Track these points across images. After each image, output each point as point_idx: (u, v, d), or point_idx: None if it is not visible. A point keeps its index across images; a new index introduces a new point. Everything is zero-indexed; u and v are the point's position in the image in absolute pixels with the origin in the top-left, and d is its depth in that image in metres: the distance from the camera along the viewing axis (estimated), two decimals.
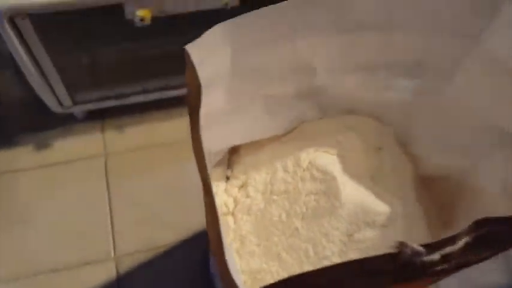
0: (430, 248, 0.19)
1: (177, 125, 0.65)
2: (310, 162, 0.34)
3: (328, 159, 0.35)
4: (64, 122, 0.65)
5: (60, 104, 0.59)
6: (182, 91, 0.63)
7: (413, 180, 0.38)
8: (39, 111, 0.63)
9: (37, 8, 0.46)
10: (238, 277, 0.21)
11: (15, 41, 0.49)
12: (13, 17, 0.46)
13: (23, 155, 0.62)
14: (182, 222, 0.59)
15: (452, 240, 0.20)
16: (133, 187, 0.61)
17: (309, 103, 0.36)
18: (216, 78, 0.28)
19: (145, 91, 0.62)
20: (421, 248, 0.19)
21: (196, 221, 0.58)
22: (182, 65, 0.56)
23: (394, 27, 0.31)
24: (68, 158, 0.63)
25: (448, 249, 0.20)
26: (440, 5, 0.30)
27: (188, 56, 0.24)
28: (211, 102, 0.30)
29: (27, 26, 0.48)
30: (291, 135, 0.37)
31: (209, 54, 0.26)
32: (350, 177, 0.34)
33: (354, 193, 0.33)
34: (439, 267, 0.21)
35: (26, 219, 0.57)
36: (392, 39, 0.32)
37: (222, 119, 0.32)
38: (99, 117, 0.65)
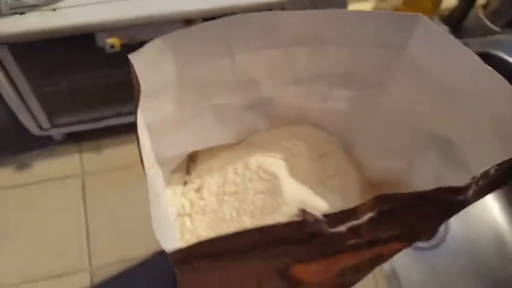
0: (331, 218, 0.22)
1: None
2: (257, 166, 0.37)
3: (274, 163, 0.37)
4: (43, 144, 0.67)
5: (39, 126, 0.62)
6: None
7: (358, 185, 0.41)
8: (19, 133, 0.65)
9: (14, 38, 0.49)
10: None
11: None
12: None
13: (3, 175, 0.64)
14: (154, 237, 0.60)
15: (353, 213, 0.22)
16: (109, 205, 0.63)
17: (256, 113, 0.39)
18: (163, 87, 0.31)
19: (119, 114, 0.64)
20: (321, 216, 0.21)
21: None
22: None
23: (321, 42, 0.34)
24: (47, 177, 0.65)
25: (354, 223, 0.22)
26: (363, 19, 0.33)
27: (131, 64, 0.27)
28: (161, 111, 0.32)
29: (6, 54, 0.51)
30: (242, 143, 0.40)
31: (152, 64, 0.29)
32: (295, 179, 0.37)
33: (296, 192, 0.35)
34: (350, 241, 0.23)
35: (6, 235, 0.58)
36: (322, 53, 0.35)
37: (173, 127, 0.34)
38: (76, 139, 0.68)
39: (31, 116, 0.60)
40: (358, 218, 0.22)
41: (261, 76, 0.36)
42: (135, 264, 0.59)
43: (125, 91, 0.62)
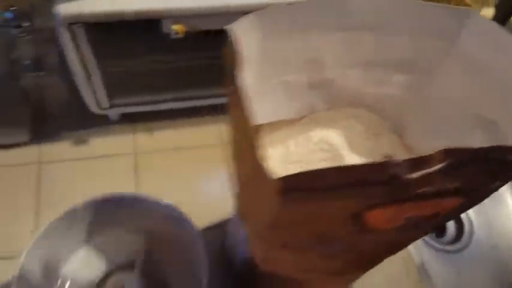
0: (409, 163, 0.25)
1: (202, 132, 0.72)
2: (319, 139, 0.41)
3: (335, 137, 0.41)
4: (100, 123, 0.71)
5: (99, 105, 0.66)
6: (210, 101, 0.70)
7: None
8: (78, 112, 0.70)
9: (92, 18, 0.54)
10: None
11: (70, 46, 0.56)
12: (71, 24, 0.54)
13: (63, 148, 0.69)
14: (200, 215, 0.64)
15: (427, 161, 0.25)
16: (159, 183, 0.66)
17: (318, 94, 0.42)
18: (249, 60, 0.35)
19: (175, 99, 0.69)
20: (401, 160, 0.25)
21: (213, 215, 0.64)
22: (211, 77, 0.64)
23: (385, 27, 0.38)
24: (102, 154, 0.69)
25: (427, 171, 0.26)
26: (423, 9, 0.37)
27: (231, 32, 0.31)
28: (243, 82, 0.36)
29: (81, 33, 0.55)
30: (303, 120, 0.44)
31: (244, 36, 0.33)
32: (354, 154, 0.41)
33: (356, 161, 0.39)
34: (421, 189, 0.27)
35: (62, 205, 0.62)
36: (385, 39, 0.38)
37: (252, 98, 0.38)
38: (130, 120, 0.72)
39: (93, 95, 0.64)
40: (431, 167, 0.26)
41: (327, 57, 0.39)
42: None
43: (181, 77, 0.67)
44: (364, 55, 0.40)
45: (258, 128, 0.43)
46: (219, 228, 0.62)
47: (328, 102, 0.43)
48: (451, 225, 0.73)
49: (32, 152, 0.67)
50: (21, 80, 0.68)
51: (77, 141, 0.69)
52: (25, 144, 0.68)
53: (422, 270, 0.65)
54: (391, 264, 0.56)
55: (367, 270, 0.43)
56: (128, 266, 0.54)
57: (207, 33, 0.58)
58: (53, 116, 0.71)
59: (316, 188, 0.26)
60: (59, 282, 0.52)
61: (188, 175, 0.68)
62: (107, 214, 0.53)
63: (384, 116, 0.45)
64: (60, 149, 0.68)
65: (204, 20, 0.57)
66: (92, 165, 0.68)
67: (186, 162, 0.69)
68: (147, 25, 0.56)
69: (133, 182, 0.66)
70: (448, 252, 0.70)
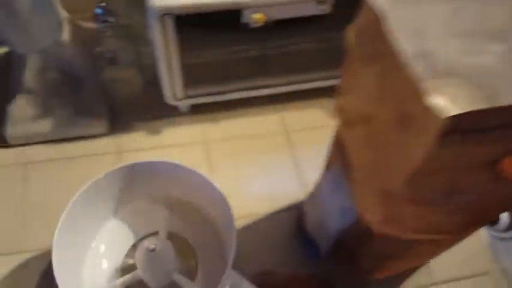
0: None
1: (268, 120, 0.75)
2: None
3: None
4: (170, 114, 0.74)
5: (175, 96, 0.69)
6: (273, 90, 0.73)
7: None
8: (150, 105, 0.73)
9: (182, 9, 0.57)
10: None
11: (160, 37, 0.59)
12: (163, 16, 0.57)
13: (138, 139, 0.71)
14: (271, 197, 0.67)
15: None
16: (230, 170, 0.69)
17: (421, 64, 0.45)
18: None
19: (248, 88, 0.72)
20: None
21: (281, 195, 0.66)
22: (285, 65, 0.66)
23: None
24: (174, 143, 0.72)
25: None
26: None
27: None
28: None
29: (170, 24, 0.59)
30: None
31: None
32: None
33: None
34: None
35: None
36: (488, 9, 0.41)
37: None
38: (198, 111, 0.75)
39: (172, 86, 0.67)
40: None
41: (431, 27, 0.42)
42: (260, 218, 0.65)
43: (255, 66, 0.70)
44: (466, 24, 0.43)
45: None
46: (293, 211, 0.65)
47: (428, 71, 0.46)
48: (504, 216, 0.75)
49: (110, 142, 0.70)
50: (101, 73, 0.71)
51: (150, 131, 0.72)
52: (104, 135, 0.70)
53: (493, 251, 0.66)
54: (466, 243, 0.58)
55: (475, 231, 0.45)
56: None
57: (283, 22, 0.61)
58: (128, 109, 0.74)
59: (473, 129, 0.28)
60: (93, 245, 0.55)
61: (255, 160, 0.71)
62: (134, 182, 0.55)
63: (479, 86, 0.47)
64: (136, 139, 0.71)
65: (284, 9, 0.60)
66: (166, 154, 0.71)
67: (253, 149, 0.72)
68: (227, 16, 0.60)
69: (206, 168, 0.68)
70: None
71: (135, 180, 0.54)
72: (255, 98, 0.74)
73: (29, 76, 0.71)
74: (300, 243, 0.61)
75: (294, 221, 0.64)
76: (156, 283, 0.53)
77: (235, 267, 0.48)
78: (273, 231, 0.63)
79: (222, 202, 0.51)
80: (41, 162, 0.68)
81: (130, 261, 0.56)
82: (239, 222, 0.63)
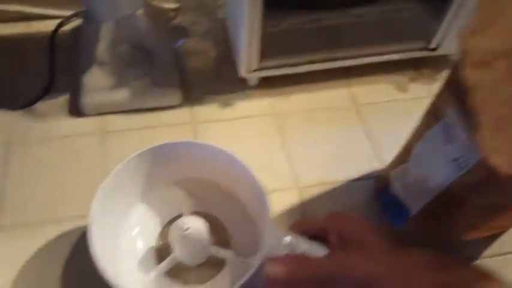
0: None
1: (337, 94, 0.75)
2: None
3: None
4: (239, 88, 0.74)
5: (248, 68, 0.69)
6: (344, 63, 0.73)
7: None
8: (220, 78, 0.74)
9: None
10: None
11: (246, 3, 0.59)
12: None
13: (211, 111, 0.71)
14: (345, 167, 0.67)
15: None
16: (301, 142, 0.69)
17: None
18: None
19: (317, 61, 0.71)
20: None
21: (355, 166, 0.66)
22: (355, 39, 0.66)
23: None
24: (245, 115, 0.72)
25: None
26: None
27: None
28: None
29: None
30: None
31: None
32: None
33: None
34: None
35: None
36: None
37: None
38: (267, 85, 0.75)
39: (248, 56, 0.67)
40: None
41: None
42: (338, 186, 0.65)
43: (333, 36, 0.69)
44: None
45: None
46: (369, 180, 0.65)
47: None
48: None
49: (184, 113, 0.70)
50: (175, 45, 0.71)
51: (222, 104, 0.72)
52: (177, 106, 0.71)
53: None
54: None
55: None
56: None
57: None
58: (200, 81, 0.74)
59: None
60: (126, 226, 0.55)
61: (327, 132, 0.71)
62: (163, 162, 0.55)
63: None
64: (209, 111, 0.71)
65: None
66: (238, 126, 0.71)
67: (324, 122, 0.72)
68: None
69: (278, 139, 0.69)
70: None
71: (164, 160, 0.54)
72: (324, 71, 0.74)
73: (102, 48, 0.71)
74: (383, 210, 0.61)
75: (372, 190, 0.63)
76: (194, 261, 0.52)
77: None
78: (349, 200, 0.63)
79: (249, 176, 0.50)
80: (117, 132, 0.68)
81: (162, 243, 0.56)
82: (311, 191, 0.63)
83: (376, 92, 0.76)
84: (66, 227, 0.58)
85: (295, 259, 0.42)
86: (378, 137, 0.70)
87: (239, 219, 0.56)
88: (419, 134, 0.54)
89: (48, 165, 0.64)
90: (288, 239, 0.45)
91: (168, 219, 0.57)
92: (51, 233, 0.57)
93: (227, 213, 0.57)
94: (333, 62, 0.72)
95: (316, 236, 0.46)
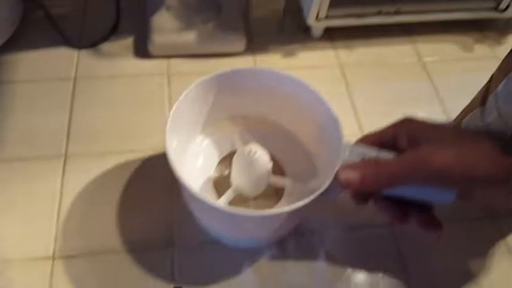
0: None
1: (402, 50, 0.74)
2: None
3: None
4: (303, 39, 0.73)
5: (318, 15, 0.68)
6: (410, 17, 0.71)
7: None
8: (282, 30, 0.74)
9: None
10: None
11: None
12: None
13: (274, 59, 0.71)
14: None
15: None
16: (367, 92, 0.68)
17: None
18: None
19: (385, 13, 0.70)
20: None
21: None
22: None
23: None
24: (309, 65, 0.71)
25: None
26: None
27: None
28: None
29: None
30: None
31: None
32: None
33: None
34: None
35: None
36: None
37: None
38: (331, 37, 0.74)
39: (319, 4, 0.66)
40: None
41: None
42: None
43: None
44: None
45: None
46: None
47: None
48: None
49: (248, 61, 0.70)
50: None
51: (285, 53, 0.72)
52: (241, 54, 0.70)
53: None
54: None
55: None
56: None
57: None
58: (263, 30, 0.74)
59: None
60: (187, 160, 0.54)
61: (392, 85, 0.69)
62: (224, 93, 0.53)
63: None
64: (272, 60, 0.70)
65: None
66: (300, 75, 0.69)
67: (389, 76, 0.71)
68: None
69: (343, 90, 0.67)
70: None
71: (226, 90, 0.52)
72: (389, 27, 0.73)
73: None
74: None
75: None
76: (255, 190, 0.51)
77: None
78: None
79: (320, 102, 0.49)
80: (179, 75, 0.68)
81: (218, 176, 0.55)
82: None
83: (441, 50, 0.74)
84: (125, 158, 0.58)
85: (367, 163, 0.41)
86: (444, 91, 0.68)
87: (296, 158, 0.56)
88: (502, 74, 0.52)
89: (111, 101, 0.64)
90: (359, 148, 0.44)
91: (224, 154, 0.57)
92: (110, 162, 0.57)
93: (284, 151, 0.56)
94: (399, 16, 0.70)
95: (385, 146, 0.45)
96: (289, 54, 0.71)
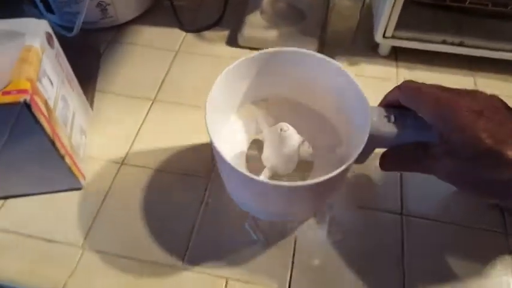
0: None
1: (461, 80, 0.76)
2: None
3: None
4: (369, 55, 0.80)
5: (384, 33, 0.74)
6: (474, 51, 0.73)
7: None
8: (352, 43, 0.81)
9: None
10: None
11: None
12: None
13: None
14: None
15: None
16: None
17: None
18: None
19: (450, 43, 0.73)
20: None
21: None
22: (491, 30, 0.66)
23: None
24: (370, 75, 0.76)
25: None
26: None
27: None
28: None
29: None
30: None
31: None
32: None
33: None
34: None
35: None
36: None
37: None
38: (395, 57, 0.79)
39: (386, 22, 0.72)
40: None
41: None
42: None
43: (467, 23, 0.72)
44: None
45: None
46: None
47: None
48: None
49: None
50: (324, 7, 0.80)
51: (350, 63, 0.78)
52: None
53: None
54: None
55: None
56: None
57: None
58: (335, 40, 0.81)
59: None
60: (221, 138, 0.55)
61: None
62: (263, 73, 0.55)
63: None
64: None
65: None
66: (358, 80, 0.75)
67: None
68: None
69: None
70: None
71: (267, 71, 0.55)
72: (453, 56, 0.76)
73: (266, 1, 0.83)
74: None
75: None
76: (287, 168, 0.54)
77: None
78: None
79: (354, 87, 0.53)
80: None
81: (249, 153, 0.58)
82: None
83: (501, 88, 0.75)
84: (194, 111, 0.70)
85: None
86: None
87: (321, 131, 0.58)
88: None
89: (198, 71, 0.77)
90: (376, 109, 0.52)
91: (252, 136, 0.59)
92: (183, 112, 0.70)
93: (308, 126, 0.57)
94: (463, 48, 0.73)
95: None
96: (353, 63, 0.78)
